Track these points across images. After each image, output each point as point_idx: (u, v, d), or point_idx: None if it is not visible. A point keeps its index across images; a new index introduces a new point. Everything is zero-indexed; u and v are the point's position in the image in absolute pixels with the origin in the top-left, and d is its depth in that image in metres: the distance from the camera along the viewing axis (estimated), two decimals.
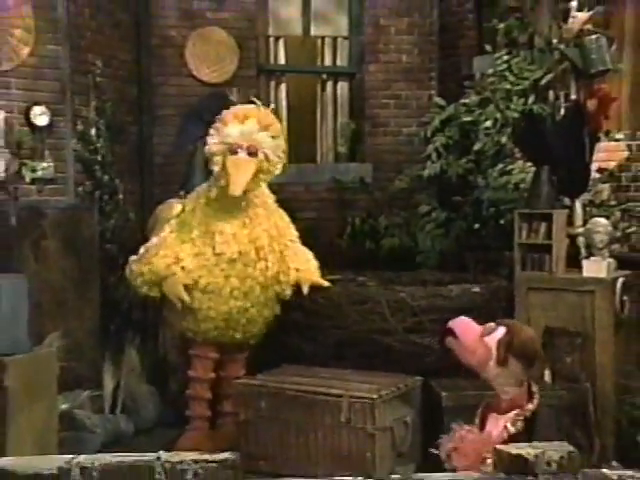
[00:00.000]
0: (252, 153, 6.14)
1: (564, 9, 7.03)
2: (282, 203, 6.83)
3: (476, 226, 7.77)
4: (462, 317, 4.47)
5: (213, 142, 6.20)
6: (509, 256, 6.90)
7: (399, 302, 6.54)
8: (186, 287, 6.22)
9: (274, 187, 6.49)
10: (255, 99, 6.54)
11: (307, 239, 6.87)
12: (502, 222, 7.44)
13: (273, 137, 6.24)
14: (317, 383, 6.02)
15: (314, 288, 6.58)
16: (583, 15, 6.66)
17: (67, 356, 6.28)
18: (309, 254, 6.68)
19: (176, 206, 6.63)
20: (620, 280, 6.35)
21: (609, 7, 7.53)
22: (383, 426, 5.69)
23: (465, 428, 4.26)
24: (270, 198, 6.63)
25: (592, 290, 6.32)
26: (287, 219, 6.73)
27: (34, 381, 5.55)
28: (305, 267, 6.57)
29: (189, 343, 6.58)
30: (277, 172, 6.34)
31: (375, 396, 5.71)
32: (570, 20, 6.72)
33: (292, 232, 6.70)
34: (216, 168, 6.19)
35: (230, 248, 6.26)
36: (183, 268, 6.23)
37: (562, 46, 6.75)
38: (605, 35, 6.74)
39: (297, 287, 6.52)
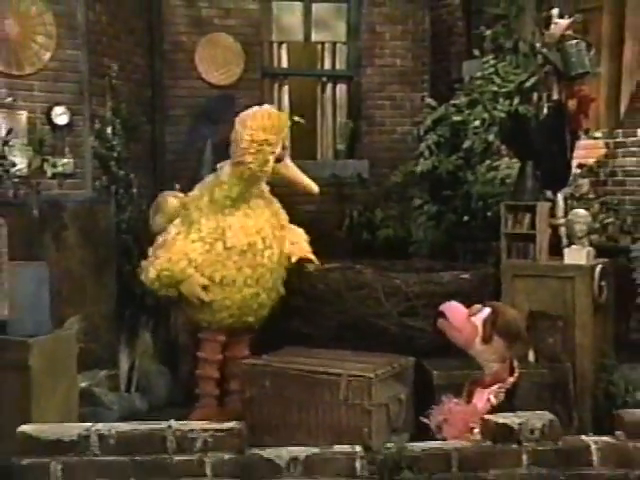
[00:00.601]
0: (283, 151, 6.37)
1: (546, 17, 7.03)
2: (284, 197, 6.84)
3: (465, 218, 7.75)
4: (452, 302, 4.52)
5: (269, 159, 6.16)
6: (496, 246, 6.89)
7: (394, 288, 6.54)
8: (204, 287, 6.21)
9: (277, 181, 6.52)
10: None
11: (308, 230, 6.88)
12: (489, 214, 7.44)
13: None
14: (317, 363, 6.01)
15: (314, 275, 6.61)
16: (564, 22, 6.64)
17: (85, 338, 6.28)
18: (302, 233, 6.81)
19: (171, 200, 6.59)
20: (598, 267, 6.34)
21: (587, 15, 7.52)
22: (379, 403, 5.67)
23: (453, 401, 4.29)
24: (266, 187, 6.62)
25: (572, 276, 6.32)
26: (278, 204, 6.75)
27: (55, 361, 5.54)
28: (297, 240, 6.70)
29: (199, 327, 6.56)
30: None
31: (371, 375, 5.71)
32: (552, 26, 6.71)
33: (284, 216, 6.76)
34: (268, 170, 6.19)
35: (240, 241, 6.23)
36: (197, 268, 6.19)
37: (545, 50, 6.73)
38: (584, 40, 6.73)
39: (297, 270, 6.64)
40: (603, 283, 6.35)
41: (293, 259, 6.59)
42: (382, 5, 9.42)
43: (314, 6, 9.44)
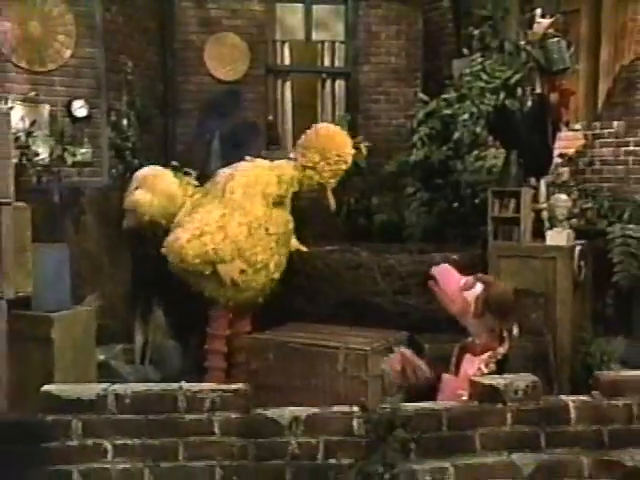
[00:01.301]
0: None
1: (530, 17, 7.05)
2: None
3: (455, 205, 7.74)
4: (444, 265, 4.48)
5: (328, 176, 6.67)
6: (483, 230, 6.90)
7: (388, 268, 6.57)
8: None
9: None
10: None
11: (309, 216, 6.90)
12: (477, 201, 7.43)
13: None
14: (318, 338, 6.04)
15: (315, 257, 6.71)
16: (546, 21, 6.66)
17: (103, 315, 6.31)
18: None
19: (172, 180, 6.65)
20: (577, 248, 6.38)
21: (567, 17, 7.53)
22: (375, 374, 5.68)
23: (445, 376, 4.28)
24: None
25: (554, 257, 6.36)
26: None
27: (76, 335, 5.59)
28: None
29: (208, 305, 6.55)
30: None
31: (368, 348, 5.74)
32: (535, 25, 6.73)
33: None
34: (308, 184, 6.69)
35: (278, 229, 6.46)
36: (239, 250, 6.26)
37: (528, 47, 6.74)
38: (565, 39, 6.76)
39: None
40: (582, 263, 6.39)
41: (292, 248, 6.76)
42: (378, 7, 9.39)
43: (314, 7, 9.42)
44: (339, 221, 8.52)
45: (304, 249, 6.79)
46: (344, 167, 6.64)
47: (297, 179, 6.61)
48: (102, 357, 6.39)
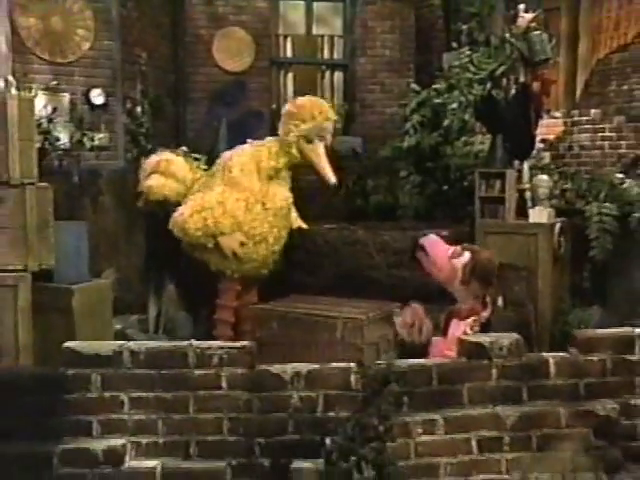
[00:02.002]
0: (320, 140, 6.38)
1: (514, 14, 7.04)
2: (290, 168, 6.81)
3: (445, 187, 7.74)
4: (432, 235, 4.47)
5: (293, 135, 6.32)
6: (471, 209, 6.91)
7: (383, 244, 6.55)
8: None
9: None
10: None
11: (311, 197, 6.89)
12: (465, 184, 7.43)
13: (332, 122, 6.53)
14: (318, 308, 6.01)
15: (315, 234, 6.69)
16: (529, 15, 6.68)
17: (119, 288, 6.34)
18: None
19: (174, 157, 6.61)
20: (557, 225, 6.39)
21: (548, 14, 7.51)
22: (370, 342, 5.67)
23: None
24: None
25: (535, 233, 6.37)
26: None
27: (94, 305, 5.58)
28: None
29: (218, 278, 6.53)
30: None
31: (364, 317, 5.72)
32: (519, 19, 6.75)
33: None
34: (295, 153, 6.35)
35: (275, 204, 6.33)
36: (238, 224, 6.21)
37: (513, 40, 6.74)
38: (546, 32, 6.76)
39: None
40: (561, 239, 6.41)
41: (294, 226, 6.68)
42: (373, 4, 9.39)
43: (315, 4, 9.43)
44: (338, 202, 8.53)
45: (305, 226, 6.76)
46: (306, 134, 6.37)
47: (284, 150, 6.45)
48: (118, 326, 6.37)
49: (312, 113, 6.36)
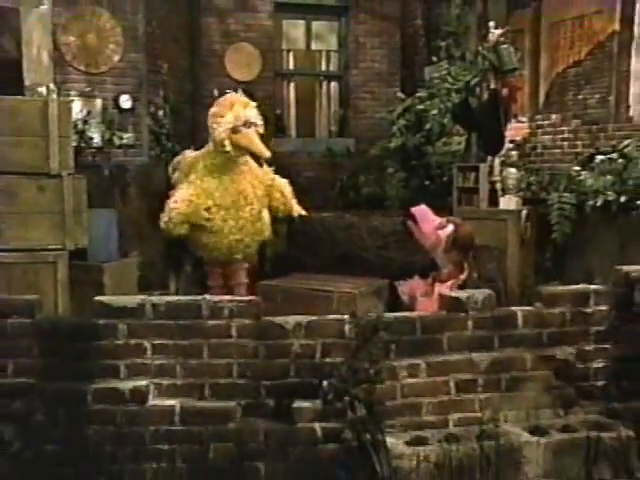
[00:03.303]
0: (248, 127, 5.77)
1: (485, 33, 7.09)
2: (291, 166, 6.82)
3: (427, 182, 7.74)
4: (423, 205, 4.45)
5: (221, 130, 5.72)
6: (449, 200, 6.93)
7: (373, 228, 6.56)
8: (200, 226, 5.84)
9: (286, 154, 6.54)
10: (234, 92, 6.17)
11: (309, 190, 6.88)
12: (445, 178, 7.44)
13: (253, 109, 5.90)
14: (316, 284, 6.02)
15: (314, 220, 6.62)
16: (498, 31, 6.74)
17: (143, 268, 6.31)
18: (286, 184, 6.31)
19: (184, 158, 6.32)
20: (524, 212, 6.42)
21: (514, 34, 7.50)
22: (362, 313, 5.66)
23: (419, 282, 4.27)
24: (250, 159, 6.09)
25: (505, 219, 6.40)
26: (267, 168, 6.23)
27: (122, 282, 5.58)
28: (284, 193, 6.27)
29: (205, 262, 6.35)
30: (262, 132, 5.90)
31: (356, 291, 5.73)
32: (490, 35, 6.79)
33: (270, 175, 6.24)
34: (228, 148, 5.69)
35: (225, 200, 5.85)
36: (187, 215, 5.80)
37: (485, 52, 6.77)
38: (513, 45, 6.81)
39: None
40: (527, 224, 6.44)
41: (295, 214, 6.34)
42: (364, 23, 9.35)
43: (313, 23, 9.42)
44: (333, 195, 8.53)
45: (305, 213, 6.66)
46: (231, 125, 5.70)
47: (217, 149, 5.81)
48: None
49: (229, 106, 5.83)
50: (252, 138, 5.79)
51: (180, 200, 5.82)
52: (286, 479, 3.11)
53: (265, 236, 6.24)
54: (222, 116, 5.77)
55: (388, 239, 6.50)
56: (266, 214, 6.18)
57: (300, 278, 6.28)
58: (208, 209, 5.82)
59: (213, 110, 5.90)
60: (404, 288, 4.55)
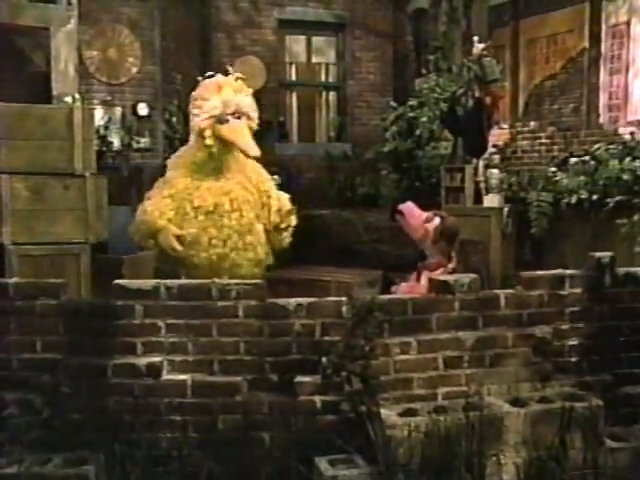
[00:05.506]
0: (238, 117, 4.17)
1: (469, 47, 7.12)
2: (291, 168, 6.78)
3: (417, 183, 7.73)
4: (408, 202, 4.44)
5: (201, 119, 4.16)
6: (437, 200, 6.90)
7: (368, 224, 6.57)
8: (178, 238, 4.16)
9: (289, 157, 6.50)
10: (228, 68, 4.70)
11: (310, 191, 6.86)
12: (433, 180, 7.42)
13: (247, 97, 4.35)
14: (315, 274, 6.05)
15: (314, 216, 6.60)
16: (482, 45, 6.76)
17: (158, 260, 6.23)
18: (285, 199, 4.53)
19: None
20: (505, 209, 6.41)
21: (495, 50, 7.51)
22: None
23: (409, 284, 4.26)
24: (242, 157, 4.39)
25: (489, 215, 6.39)
26: (264, 174, 4.51)
27: (139, 273, 5.53)
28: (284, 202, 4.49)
29: None
30: (255, 127, 4.30)
31: (352, 281, 5.73)
32: (474, 48, 6.81)
33: (267, 184, 4.47)
34: (209, 141, 4.12)
35: (206, 201, 4.19)
36: (170, 220, 4.18)
37: (470, 64, 6.80)
38: (495, 58, 6.84)
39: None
40: (509, 220, 6.42)
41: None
42: (360, 38, 9.40)
43: (314, 38, 9.46)
44: (331, 194, 8.53)
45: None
46: (216, 112, 4.10)
47: (199, 142, 4.21)
48: None
49: (216, 88, 4.28)
50: (240, 132, 4.16)
51: (151, 209, 4.29)
52: (288, 447, 3.10)
53: (260, 256, 4.46)
54: (205, 99, 4.22)
55: (382, 234, 6.52)
56: (261, 230, 4.40)
57: (301, 269, 6.28)
58: (185, 214, 4.21)
59: (196, 92, 4.34)
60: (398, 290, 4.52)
